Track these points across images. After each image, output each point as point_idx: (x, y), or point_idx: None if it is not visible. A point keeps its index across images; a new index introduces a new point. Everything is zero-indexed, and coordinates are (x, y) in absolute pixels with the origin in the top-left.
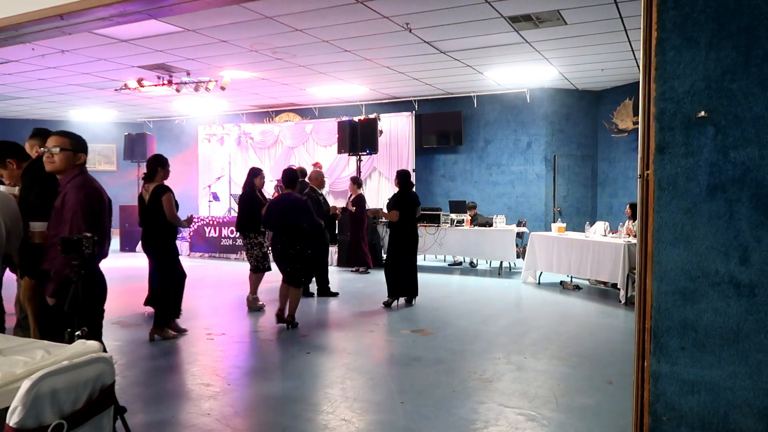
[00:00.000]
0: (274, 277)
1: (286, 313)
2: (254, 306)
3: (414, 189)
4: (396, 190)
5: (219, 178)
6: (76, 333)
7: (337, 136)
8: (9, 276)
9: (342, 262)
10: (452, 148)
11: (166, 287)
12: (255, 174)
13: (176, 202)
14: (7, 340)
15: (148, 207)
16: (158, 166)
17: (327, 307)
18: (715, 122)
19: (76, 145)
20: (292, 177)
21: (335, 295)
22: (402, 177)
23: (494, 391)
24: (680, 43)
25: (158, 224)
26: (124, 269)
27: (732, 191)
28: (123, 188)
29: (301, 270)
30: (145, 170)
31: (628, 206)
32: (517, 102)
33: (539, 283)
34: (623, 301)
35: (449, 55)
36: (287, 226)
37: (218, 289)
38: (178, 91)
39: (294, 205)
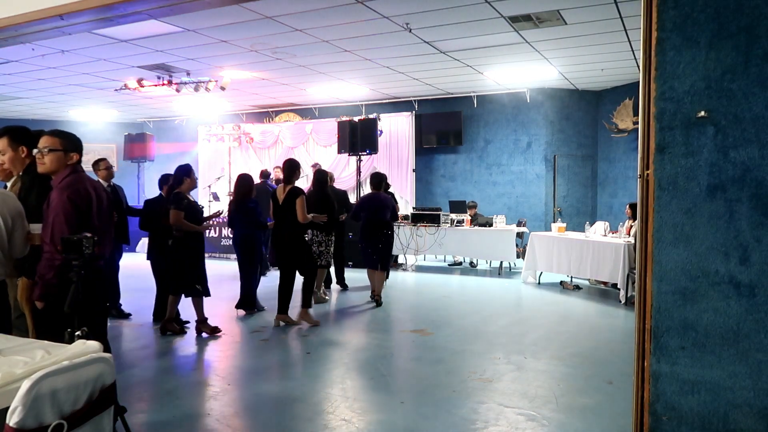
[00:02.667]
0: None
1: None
2: (322, 299)
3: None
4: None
5: (219, 178)
6: (76, 333)
7: (337, 136)
8: None
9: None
10: (452, 148)
11: (292, 278)
12: (325, 174)
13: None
14: (7, 340)
15: (282, 207)
16: (295, 170)
17: (327, 307)
18: (715, 122)
19: (67, 145)
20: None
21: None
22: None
23: (494, 391)
24: (680, 43)
25: (292, 223)
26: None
27: (732, 191)
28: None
29: (387, 256)
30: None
31: (628, 206)
32: (517, 102)
33: (539, 283)
34: (623, 301)
35: (449, 55)
36: (376, 219)
37: (218, 290)
38: (178, 91)
39: (382, 202)
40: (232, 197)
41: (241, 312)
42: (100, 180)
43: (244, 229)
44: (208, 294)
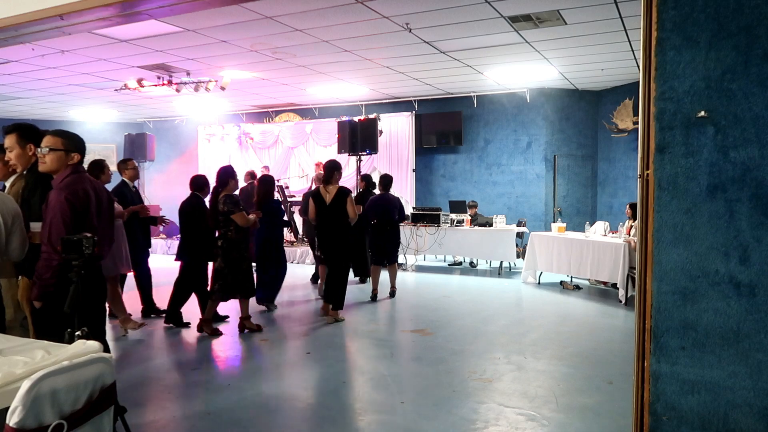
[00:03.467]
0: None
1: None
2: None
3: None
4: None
5: None
6: (76, 333)
7: (337, 136)
8: None
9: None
10: (452, 148)
11: (346, 274)
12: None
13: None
14: (7, 340)
15: (330, 207)
16: (335, 170)
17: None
18: (715, 122)
19: (68, 145)
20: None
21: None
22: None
23: (494, 391)
24: (680, 43)
25: (342, 222)
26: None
27: (732, 191)
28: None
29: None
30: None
31: (628, 206)
32: (517, 102)
33: (539, 283)
34: (623, 301)
35: (449, 55)
36: (384, 219)
37: None
38: (178, 91)
39: (391, 203)
40: (255, 198)
41: (262, 307)
42: (126, 180)
43: (270, 230)
44: (255, 293)
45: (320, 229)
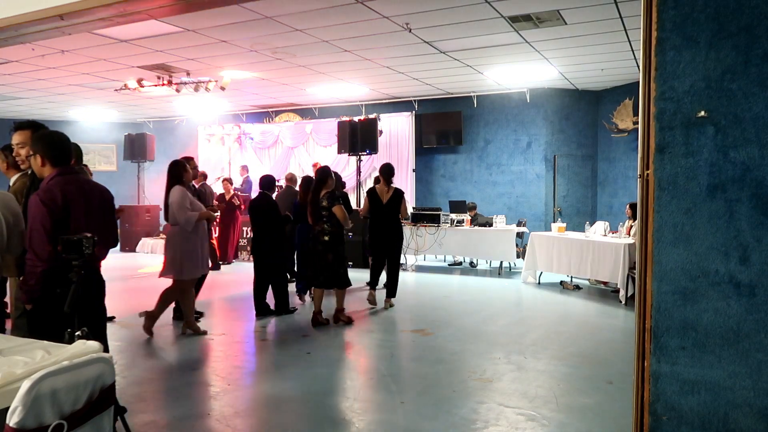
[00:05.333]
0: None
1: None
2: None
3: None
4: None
5: (219, 178)
6: (76, 333)
7: (337, 136)
8: None
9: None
10: (452, 148)
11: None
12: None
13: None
14: (7, 340)
15: (386, 205)
16: (393, 173)
17: (328, 307)
18: (715, 122)
19: (35, 149)
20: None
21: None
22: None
23: (494, 391)
24: (680, 43)
25: (396, 221)
26: (124, 269)
27: (732, 191)
28: (123, 188)
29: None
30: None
31: (628, 206)
32: (517, 102)
33: (539, 283)
34: (623, 301)
35: (449, 55)
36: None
37: (218, 289)
38: (178, 91)
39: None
40: (299, 196)
41: (299, 302)
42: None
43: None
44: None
45: (374, 225)
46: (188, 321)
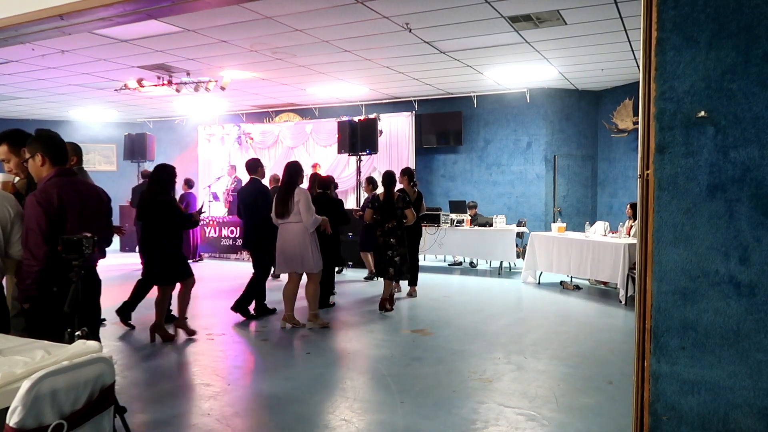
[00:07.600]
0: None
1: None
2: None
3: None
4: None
5: (219, 178)
6: (76, 333)
7: (337, 136)
8: None
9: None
10: (452, 148)
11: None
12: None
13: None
14: (7, 340)
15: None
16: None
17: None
18: (715, 122)
19: (32, 150)
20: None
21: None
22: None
23: (494, 391)
24: (680, 43)
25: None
26: (125, 268)
27: (732, 191)
28: (123, 188)
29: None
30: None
31: (628, 206)
32: (517, 102)
33: (539, 283)
34: (623, 301)
35: (449, 55)
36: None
37: (218, 289)
38: (178, 91)
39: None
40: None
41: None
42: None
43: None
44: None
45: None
46: (286, 317)
